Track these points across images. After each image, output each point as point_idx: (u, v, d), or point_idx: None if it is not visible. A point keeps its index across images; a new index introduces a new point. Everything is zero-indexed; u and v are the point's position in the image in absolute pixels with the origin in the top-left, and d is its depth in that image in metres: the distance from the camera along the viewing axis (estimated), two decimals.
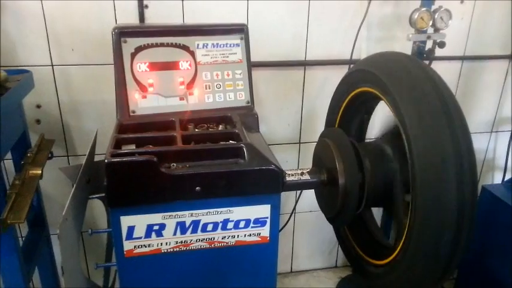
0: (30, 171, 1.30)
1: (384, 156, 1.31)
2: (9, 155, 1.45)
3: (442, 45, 1.70)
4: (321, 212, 1.46)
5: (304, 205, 2.13)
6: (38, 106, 1.70)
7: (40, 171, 1.32)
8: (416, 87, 1.12)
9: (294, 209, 2.10)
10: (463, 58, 2.03)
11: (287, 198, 2.10)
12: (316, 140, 1.45)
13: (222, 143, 1.19)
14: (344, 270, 2.33)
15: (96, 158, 1.35)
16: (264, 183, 1.11)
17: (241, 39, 1.40)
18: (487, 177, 2.37)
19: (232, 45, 1.40)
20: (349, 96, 1.48)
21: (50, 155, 1.48)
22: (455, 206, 1.02)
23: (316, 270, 2.35)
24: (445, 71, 2.00)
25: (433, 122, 1.05)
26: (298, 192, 2.07)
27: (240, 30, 1.40)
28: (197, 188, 1.07)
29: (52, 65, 1.65)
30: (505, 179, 2.10)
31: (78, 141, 1.80)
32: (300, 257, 2.31)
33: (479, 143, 2.26)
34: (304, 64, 1.88)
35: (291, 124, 1.99)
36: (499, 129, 2.25)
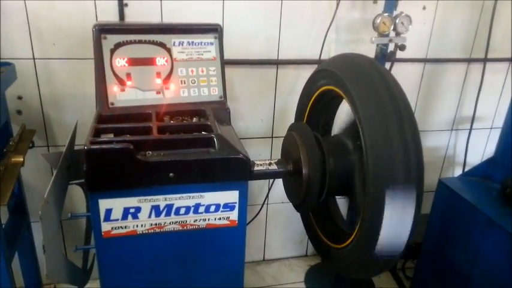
0: (13, 159, 1.36)
1: (345, 148, 1.44)
2: None
3: (402, 48, 1.83)
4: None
5: (276, 196, 2.24)
6: (19, 97, 1.76)
7: (22, 159, 1.39)
8: (371, 86, 1.24)
9: (266, 199, 2.21)
10: (425, 60, 2.17)
11: (260, 189, 2.21)
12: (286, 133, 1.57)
13: (194, 133, 1.29)
14: (314, 259, 2.45)
15: (76, 148, 1.43)
16: (232, 170, 1.22)
17: (215, 38, 1.50)
18: (448, 172, 2.53)
19: (206, 43, 1.49)
20: (316, 94, 1.60)
21: (31, 144, 1.55)
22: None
23: (287, 259, 2.46)
24: (409, 73, 2.17)
25: (383, 117, 1.17)
26: (270, 183, 2.18)
27: (214, 29, 1.49)
28: (171, 174, 1.16)
29: (34, 59, 1.72)
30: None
31: (58, 132, 1.86)
32: (272, 246, 2.42)
33: (440, 140, 2.41)
34: (276, 63, 1.99)
35: (264, 119, 2.10)
36: (459, 128, 2.40)
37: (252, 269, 2.34)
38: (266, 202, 2.23)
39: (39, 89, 1.77)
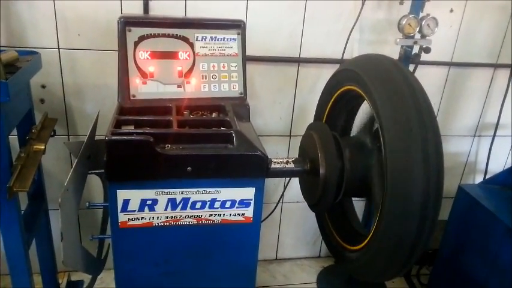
0: (35, 146, 1.38)
1: (363, 149, 1.42)
2: (14, 132, 1.54)
3: (427, 50, 1.80)
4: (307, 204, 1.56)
5: (291, 196, 2.23)
6: (43, 86, 1.79)
7: (43, 147, 1.41)
8: (394, 89, 1.22)
9: (281, 198, 2.20)
10: (450, 64, 2.12)
11: (275, 188, 2.20)
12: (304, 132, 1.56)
13: (214, 129, 1.29)
14: (327, 260, 2.44)
15: (96, 139, 1.45)
16: (249, 167, 1.21)
17: (238, 34, 1.49)
18: (469, 179, 2.48)
19: (229, 39, 1.49)
20: (336, 93, 1.58)
21: (52, 133, 1.57)
22: (420, 199, 1.12)
23: (300, 259, 2.45)
24: (433, 76, 2.14)
25: (405, 120, 1.15)
26: (286, 181, 2.17)
27: (237, 25, 1.49)
28: (188, 168, 1.17)
29: (59, 48, 1.74)
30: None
31: (79, 121, 1.89)
32: (285, 246, 2.41)
33: (462, 146, 2.37)
34: (298, 61, 1.97)
35: (283, 117, 2.09)
36: (481, 134, 2.35)
37: (264, 267, 2.34)
38: (281, 201, 2.22)
39: (62, 78, 1.80)
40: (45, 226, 1.76)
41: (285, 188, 2.17)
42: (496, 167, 2.38)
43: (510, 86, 2.16)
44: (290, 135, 2.13)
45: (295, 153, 2.12)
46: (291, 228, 2.36)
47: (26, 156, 1.33)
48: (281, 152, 2.15)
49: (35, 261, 1.78)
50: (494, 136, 2.26)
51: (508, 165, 2.44)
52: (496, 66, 2.18)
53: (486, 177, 2.30)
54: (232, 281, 1.38)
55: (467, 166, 2.43)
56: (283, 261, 2.42)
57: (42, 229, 1.74)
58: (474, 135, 2.35)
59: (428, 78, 2.07)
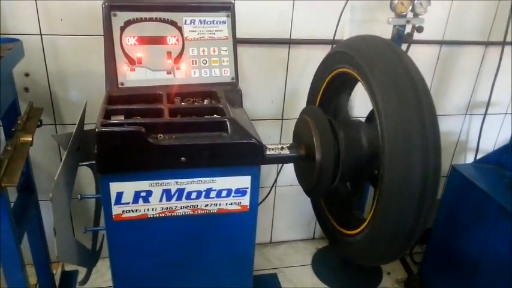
0: (21, 138, 1.34)
1: (359, 133, 1.40)
2: None
3: (420, 29, 1.77)
4: (300, 187, 1.55)
5: (285, 179, 2.22)
6: (27, 74, 1.73)
7: (31, 138, 1.36)
8: (389, 70, 1.20)
9: (275, 182, 2.19)
10: (441, 42, 2.10)
11: (268, 172, 2.19)
12: (298, 117, 1.53)
13: (206, 116, 1.26)
14: (321, 242, 2.45)
15: (85, 129, 1.40)
16: (245, 155, 1.19)
17: (228, 16, 1.45)
18: (460, 158, 2.50)
19: (219, 22, 1.44)
20: (330, 76, 1.56)
21: (39, 123, 1.52)
22: (419, 178, 1.11)
23: (294, 241, 2.46)
24: (424, 55, 2.11)
25: (402, 101, 1.14)
26: (279, 166, 2.16)
27: (227, 7, 1.44)
28: (182, 158, 1.14)
29: (41, 34, 1.68)
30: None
31: (65, 110, 1.84)
32: (279, 229, 2.42)
33: (453, 125, 2.37)
34: (288, 42, 1.93)
35: (275, 100, 2.05)
36: (473, 113, 2.36)
37: (259, 251, 2.34)
38: (275, 185, 2.21)
39: (46, 66, 1.74)
40: (36, 218, 1.72)
41: (278, 174, 2.16)
42: (487, 144, 2.39)
43: (503, 63, 2.14)
44: (282, 119, 2.10)
45: (287, 137, 2.11)
46: (285, 211, 2.36)
47: (13, 149, 1.28)
48: (273, 136, 2.13)
49: (28, 253, 1.76)
50: (485, 114, 2.26)
51: (498, 143, 2.46)
52: (487, 44, 2.16)
53: (477, 156, 2.32)
54: (230, 270, 1.37)
55: (458, 145, 2.44)
56: (277, 244, 2.43)
57: (33, 221, 1.70)
58: (465, 114, 2.35)
59: (420, 57, 2.03)
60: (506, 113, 2.40)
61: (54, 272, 1.88)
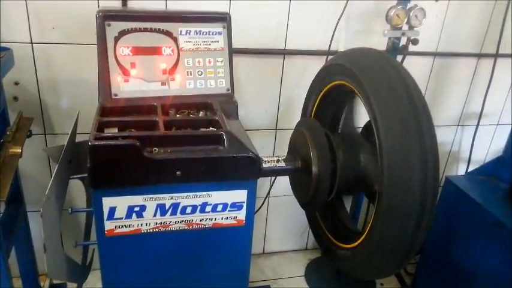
0: (11, 150, 1.30)
1: (356, 147, 1.39)
2: None
3: (415, 42, 1.78)
4: (294, 197, 1.53)
5: (278, 190, 2.20)
6: (16, 83, 1.69)
7: (20, 150, 1.33)
8: (388, 85, 1.19)
9: (269, 193, 2.17)
10: (435, 54, 2.11)
11: (262, 182, 2.17)
12: (292, 127, 1.52)
13: (202, 129, 1.23)
14: (314, 253, 2.43)
15: (77, 140, 1.37)
16: (241, 169, 1.17)
17: (224, 27, 1.43)
18: (452, 168, 2.51)
19: (214, 33, 1.43)
20: (326, 88, 1.54)
21: (29, 133, 1.48)
22: (419, 195, 1.10)
23: (287, 252, 2.44)
24: (418, 66, 2.12)
25: (401, 118, 1.13)
26: (273, 177, 2.14)
27: (223, 18, 1.43)
28: (178, 172, 1.11)
29: (32, 43, 1.64)
30: (468, 171, 2.23)
31: (56, 119, 1.79)
32: (272, 239, 2.39)
33: (446, 135, 2.38)
34: (283, 53, 1.92)
35: (269, 111, 2.04)
36: (465, 123, 2.37)
37: (252, 262, 2.26)
38: (268, 195, 2.19)
39: (36, 74, 1.70)
40: (24, 230, 1.68)
41: (271, 187, 2.14)
42: (479, 155, 2.40)
43: (495, 75, 2.16)
44: (276, 129, 2.09)
45: (281, 147, 2.10)
46: (278, 221, 2.34)
47: (2, 161, 1.25)
48: (267, 147, 2.11)
49: (15, 265, 1.71)
50: (477, 125, 2.27)
51: (490, 154, 2.47)
52: (479, 55, 2.18)
53: (469, 166, 2.33)
54: (225, 284, 1.34)
55: (450, 155, 2.45)
56: (270, 255, 2.41)
57: (21, 233, 1.66)
58: (458, 125, 2.36)
59: (414, 69, 2.02)
60: (497, 124, 2.41)
61: (42, 285, 1.84)
